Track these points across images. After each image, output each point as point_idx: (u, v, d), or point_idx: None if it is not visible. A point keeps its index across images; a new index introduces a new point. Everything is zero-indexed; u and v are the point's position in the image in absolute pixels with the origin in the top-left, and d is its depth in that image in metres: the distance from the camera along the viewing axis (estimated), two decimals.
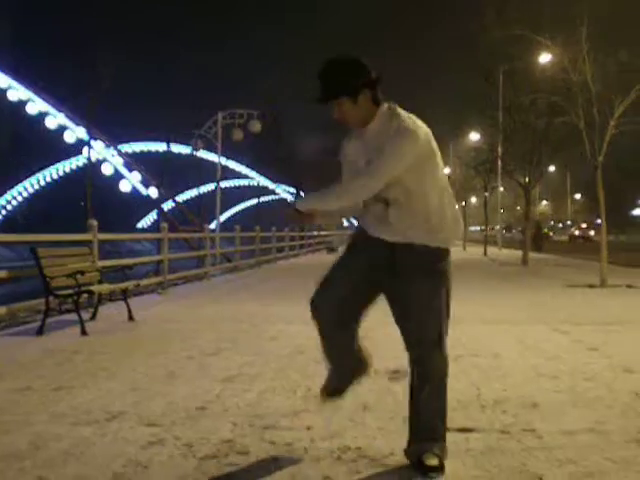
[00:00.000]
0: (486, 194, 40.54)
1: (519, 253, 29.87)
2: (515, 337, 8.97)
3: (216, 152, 34.34)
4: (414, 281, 4.21)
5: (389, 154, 3.89)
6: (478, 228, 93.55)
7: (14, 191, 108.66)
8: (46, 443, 4.60)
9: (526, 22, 23.27)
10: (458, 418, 5.05)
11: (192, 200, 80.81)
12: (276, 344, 8.36)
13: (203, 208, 44.42)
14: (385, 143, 3.91)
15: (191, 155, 42.24)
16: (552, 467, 4.10)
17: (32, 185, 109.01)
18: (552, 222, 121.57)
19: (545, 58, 24.22)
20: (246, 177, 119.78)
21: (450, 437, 4.60)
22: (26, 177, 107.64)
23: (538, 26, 23.04)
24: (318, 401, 4.73)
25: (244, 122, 31.58)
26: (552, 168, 45.97)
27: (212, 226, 27.47)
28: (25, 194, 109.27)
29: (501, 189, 46.77)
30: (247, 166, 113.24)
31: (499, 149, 30.16)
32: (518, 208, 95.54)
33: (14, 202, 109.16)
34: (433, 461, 4.00)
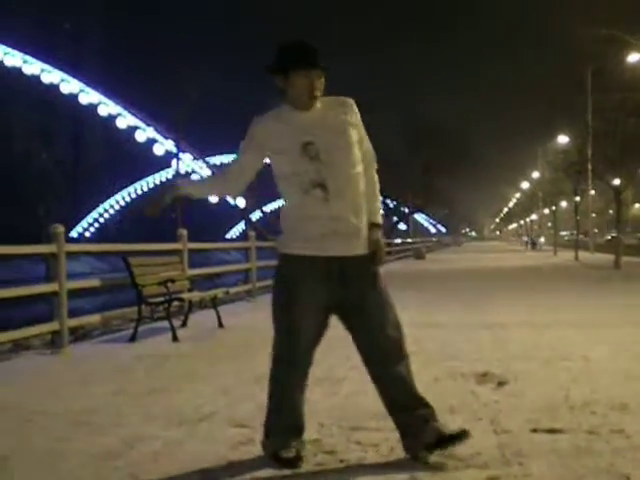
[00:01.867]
0: (576, 198, 39.81)
1: (611, 257, 29.25)
2: (605, 340, 8.83)
3: None
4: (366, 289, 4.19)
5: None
6: (566, 233, 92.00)
7: (106, 204, 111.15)
8: (139, 443, 4.74)
9: (614, 22, 22.95)
10: (545, 420, 5.02)
11: (279, 210, 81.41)
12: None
13: None
14: (345, 115, 4.14)
15: None
16: None
17: (124, 198, 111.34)
18: None
19: (634, 57, 23.82)
20: None
21: (537, 438, 4.61)
22: (118, 190, 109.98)
23: (627, 26, 22.70)
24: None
25: None
26: None
27: None
28: (117, 207, 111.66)
29: (592, 192, 45.90)
30: None
31: (589, 151, 29.65)
32: (610, 212, 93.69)
33: (106, 215, 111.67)
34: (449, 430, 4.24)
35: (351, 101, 4.22)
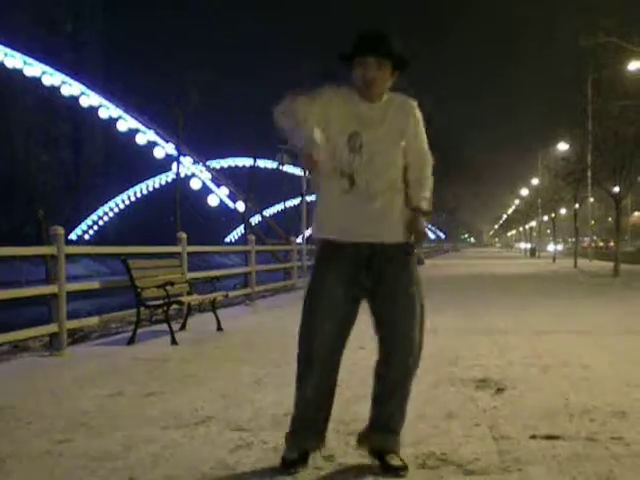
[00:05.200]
0: (576, 205, 39.80)
1: (610, 265, 29.27)
2: (605, 347, 8.83)
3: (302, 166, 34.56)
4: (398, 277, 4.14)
5: (419, 123, 4.19)
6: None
7: (106, 207, 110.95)
8: (137, 445, 4.74)
9: (615, 30, 22.99)
10: (545, 426, 5.02)
11: (278, 214, 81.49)
12: (362, 353, 8.36)
13: (289, 222, 44.74)
14: (400, 117, 4.11)
15: (277, 169, 42.61)
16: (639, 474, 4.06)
17: (123, 201, 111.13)
18: None
19: (634, 65, 23.85)
20: None
21: (536, 444, 4.61)
22: (118, 193, 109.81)
23: (627, 34, 22.74)
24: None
25: None
26: None
27: (298, 240, 27.65)
28: (116, 209, 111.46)
29: (591, 200, 45.85)
30: None
31: (588, 158, 29.68)
32: (609, 219, 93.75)
33: (106, 217, 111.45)
34: (397, 462, 4.15)
35: (412, 105, 4.17)
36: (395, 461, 4.16)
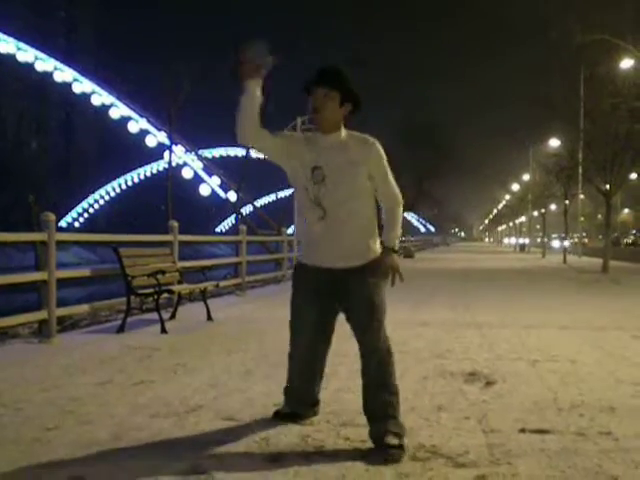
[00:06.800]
0: (566, 202, 39.84)
1: (599, 261, 29.33)
2: (593, 343, 8.85)
3: None
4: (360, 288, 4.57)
5: (382, 161, 4.53)
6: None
7: (96, 194, 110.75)
8: (126, 433, 4.74)
9: (609, 27, 22.99)
10: (534, 420, 5.04)
11: (270, 205, 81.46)
12: (352, 343, 8.36)
13: (281, 213, 44.65)
14: (360, 152, 4.44)
15: (269, 160, 42.46)
16: (628, 469, 4.07)
17: (114, 189, 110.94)
18: (634, 231, 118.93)
19: (627, 63, 23.87)
20: None
21: (525, 438, 4.63)
22: (109, 180, 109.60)
23: (620, 31, 22.75)
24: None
25: None
26: (634, 175, 44.71)
27: (289, 231, 27.66)
28: (107, 197, 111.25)
29: (581, 197, 45.89)
30: None
31: (579, 155, 29.71)
32: (599, 216, 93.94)
33: (96, 205, 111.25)
34: (393, 440, 4.31)
35: (372, 142, 4.47)
36: (391, 440, 4.30)
